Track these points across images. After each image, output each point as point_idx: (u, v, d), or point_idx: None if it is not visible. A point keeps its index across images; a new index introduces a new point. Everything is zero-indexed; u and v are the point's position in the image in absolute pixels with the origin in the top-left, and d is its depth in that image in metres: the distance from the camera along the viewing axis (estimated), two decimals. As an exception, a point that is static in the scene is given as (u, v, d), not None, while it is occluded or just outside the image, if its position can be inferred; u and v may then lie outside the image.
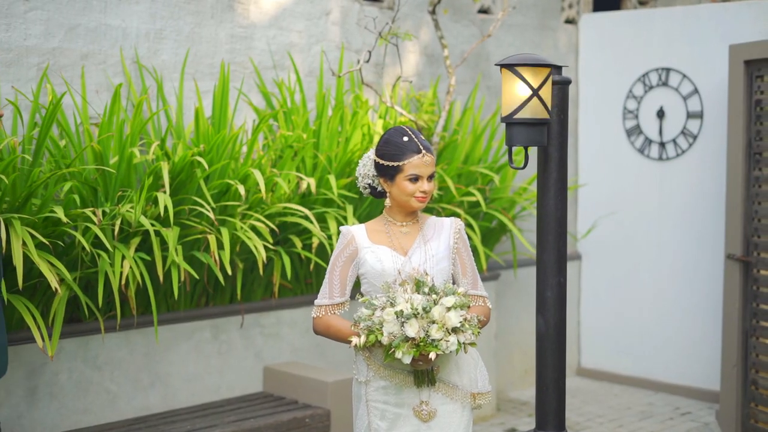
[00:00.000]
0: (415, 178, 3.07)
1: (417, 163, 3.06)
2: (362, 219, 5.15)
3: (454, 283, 3.18)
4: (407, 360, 2.83)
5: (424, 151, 3.07)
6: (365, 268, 3.10)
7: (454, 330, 2.83)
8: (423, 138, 3.12)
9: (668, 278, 6.56)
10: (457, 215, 5.34)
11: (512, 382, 6.64)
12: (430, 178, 3.10)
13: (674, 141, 6.52)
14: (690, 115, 6.44)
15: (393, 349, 2.82)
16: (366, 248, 3.11)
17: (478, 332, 2.90)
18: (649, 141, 6.65)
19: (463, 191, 5.47)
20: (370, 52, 5.11)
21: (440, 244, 3.14)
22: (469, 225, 5.37)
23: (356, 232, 3.14)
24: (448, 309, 2.84)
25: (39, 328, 3.87)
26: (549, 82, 2.98)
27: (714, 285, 6.21)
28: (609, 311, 6.92)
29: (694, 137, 6.41)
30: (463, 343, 2.85)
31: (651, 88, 6.62)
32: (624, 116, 6.79)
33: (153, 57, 4.83)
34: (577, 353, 7.07)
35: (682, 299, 6.49)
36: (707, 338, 6.29)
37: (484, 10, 6.53)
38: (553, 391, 3.21)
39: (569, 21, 7.07)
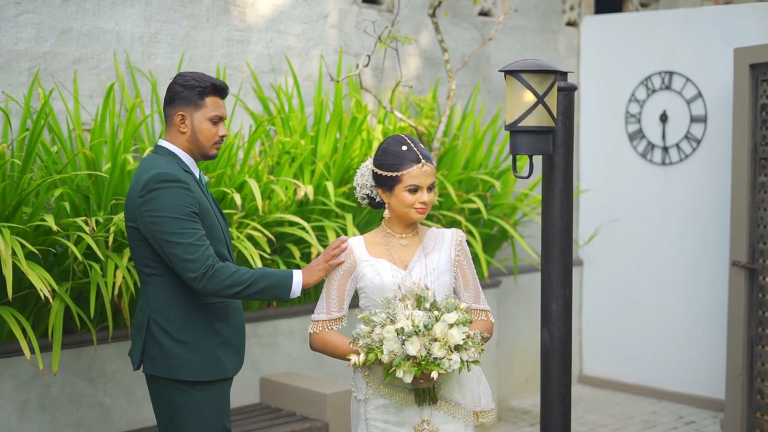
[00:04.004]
0: (414, 189, 2.97)
1: (416, 174, 2.96)
2: (362, 227, 5.06)
3: (454, 293, 3.09)
4: (408, 379, 2.73)
5: (423, 161, 2.97)
6: (364, 282, 3.00)
7: (457, 348, 2.73)
8: (423, 147, 3.02)
9: (671, 285, 6.48)
10: (458, 222, 5.25)
11: (513, 391, 6.54)
12: (430, 188, 3.00)
13: (677, 145, 6.43)
14: (693, 119, 6.35)
15: (394, 368, 2.73)
16: (365, 261, 3.01)
17: (482, 349, 2.80)
18: (651, 145, 6.56)
19: (463, 198, 5.38)
20: (369, 56, 5.02)
21: (441, 257, 3.04)
22: (469, 232, 5.28)
23: (354, 244, 3.05)
24: (451, 326, 2.73)
25: (29, 340, 3.78)
26: (554, 89, 2.88)
27: (718, 291, 6.13)
28: (611, 318, 6.83)
29: (698, 142, 6.32)
30: (466, 361, 2.75)
31: (654, 91, 6.54)
32: (626, 120, 6.70)
33: (147, 61, 4.74)
34: (579, 361, 6.98)
35: (685, 306, 6.40)
36: (711, 346, 6.20)
37: (484, 13, 6.45)
38: (559, 405, 3.12)
39: (570, 23, 6.99)
